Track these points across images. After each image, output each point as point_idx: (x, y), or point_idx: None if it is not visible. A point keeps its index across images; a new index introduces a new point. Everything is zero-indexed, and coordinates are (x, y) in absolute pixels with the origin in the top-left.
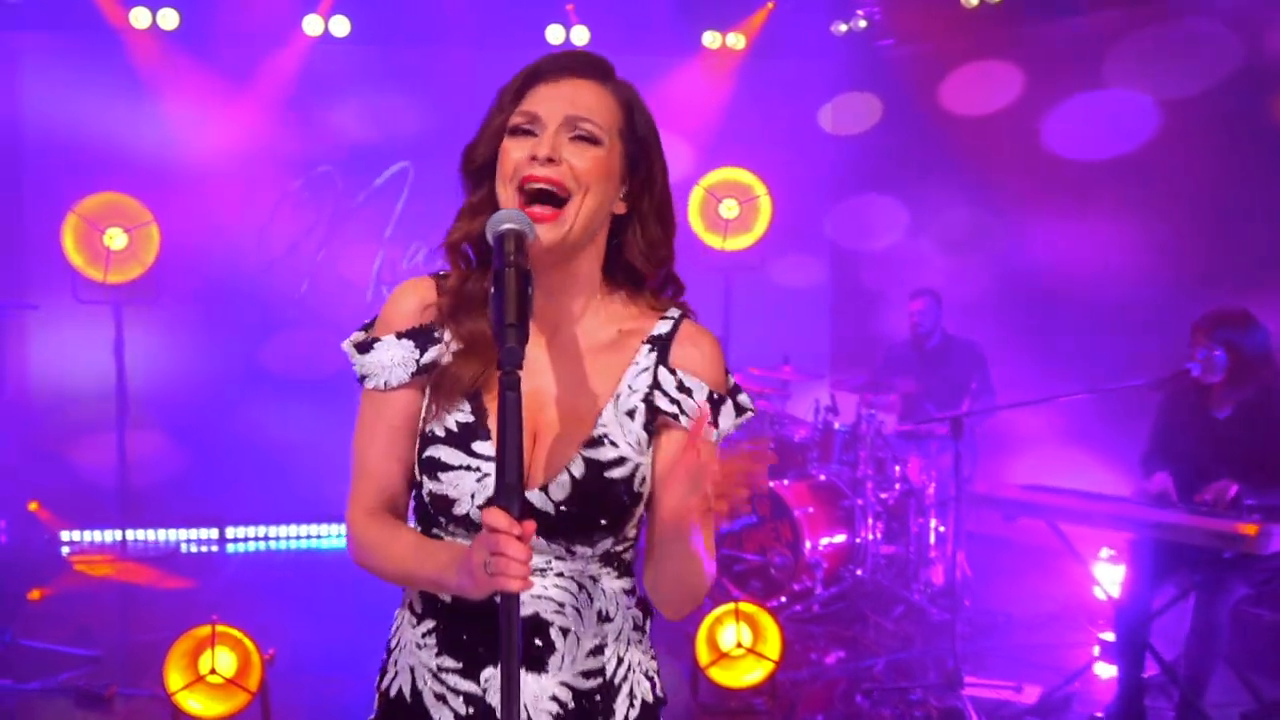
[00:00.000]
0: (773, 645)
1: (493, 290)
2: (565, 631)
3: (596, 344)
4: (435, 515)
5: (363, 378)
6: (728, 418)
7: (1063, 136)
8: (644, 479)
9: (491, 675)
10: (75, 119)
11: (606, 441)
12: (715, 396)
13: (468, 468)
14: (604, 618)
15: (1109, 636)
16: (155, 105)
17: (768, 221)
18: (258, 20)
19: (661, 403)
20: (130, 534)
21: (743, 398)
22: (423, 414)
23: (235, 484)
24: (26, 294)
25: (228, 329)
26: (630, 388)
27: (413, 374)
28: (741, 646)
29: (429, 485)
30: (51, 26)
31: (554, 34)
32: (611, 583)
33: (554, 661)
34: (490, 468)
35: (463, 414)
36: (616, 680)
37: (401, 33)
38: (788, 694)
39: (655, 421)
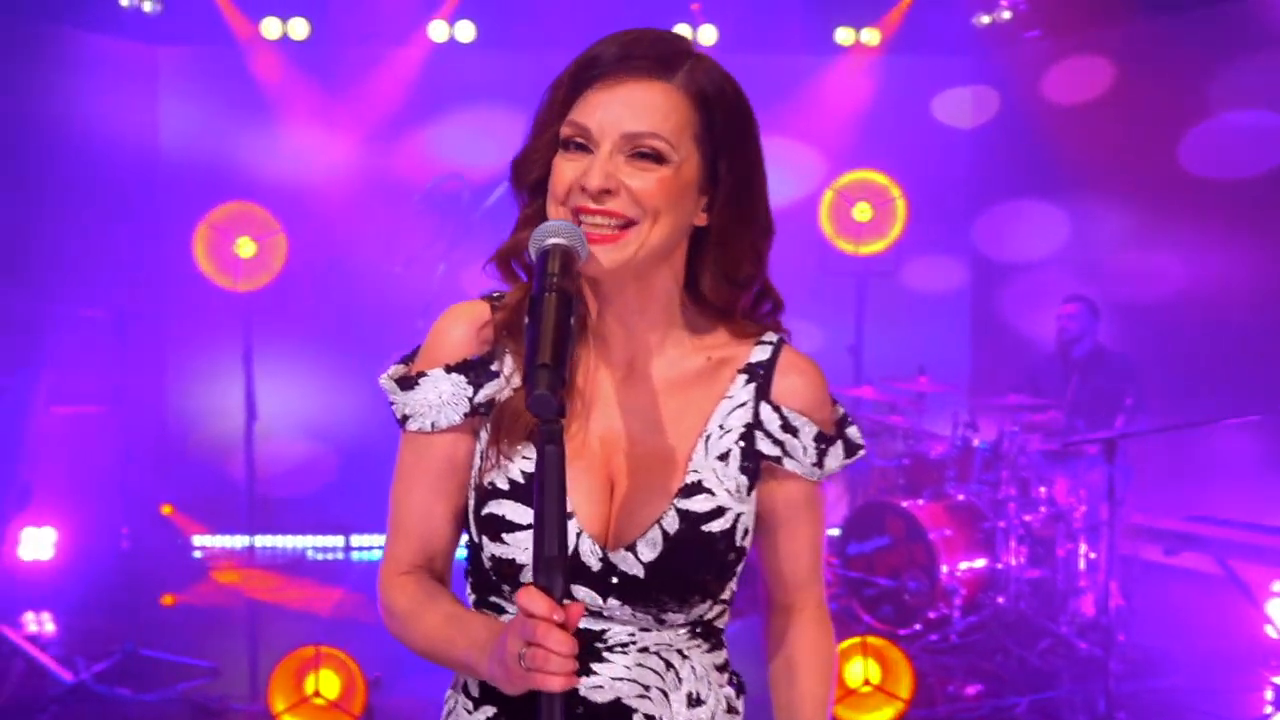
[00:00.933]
0: (904, 683)
1: (528, 319)
2: (650, 719)
3: (681, 375)
4: (498, 582)
5: (404, 419)
6: (835, 458)
7: (1232, 140)
8: (746, 530)
9: None
10: (207, 130)
11: (702, 489)
12: (824, 436)
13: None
14: (695, 701)
15: None
16: (282, 115)
17: (903, 225)
18: (382, 28)
19: (763, 445)
20: (258, 540)
21: (852, 431)
22: (477, 462)
23: (361, 492)
24: (159, 302)
25: (352, 339)
26: (722, 426)
27: (465, 414)
28: (870, 684)
29: (490, 548)
30: (186, 40)
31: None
32: (702, 658)
33: None
34: (568, 525)
35: (528, 462)
36: None
37: (526, 38)
38: None
39: (756, 465)
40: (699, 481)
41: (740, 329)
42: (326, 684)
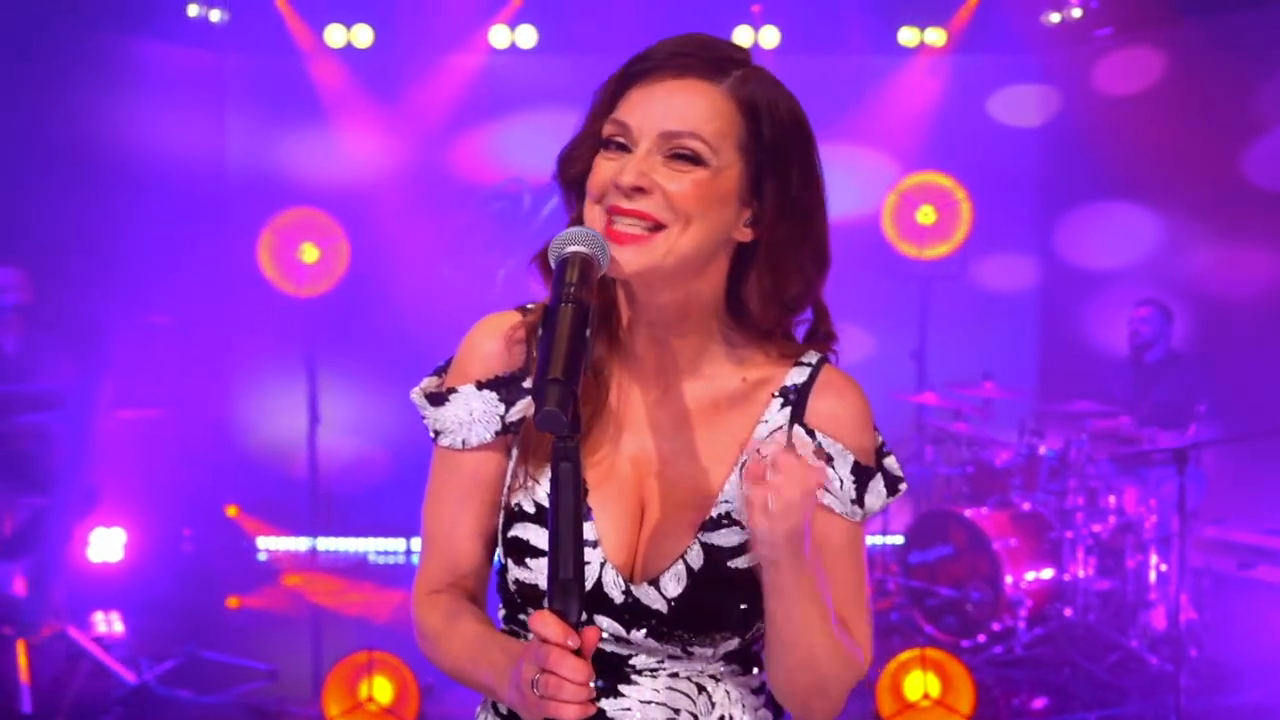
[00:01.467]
0: (964, 697)
1: (541, 331)
2: None
3: (717, 397)
4: (523, 604)
5: (436, 434)
6: (876, 496)
7: None
8: None
9: None
10: (271, 136)
11: (729, 522)
12: (861, 468)
13: None
14: None
15: None
16: (345, 122)
17: (968, 228)
18: (444, 34)
19: None
20: (320, 543)
21: (890, 462)
22: (508, 481)
23: (421, 495)
24: (223, 307)
25: (413, 343)
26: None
27: (497, 433)
28: (929, 698)
29: (515, 572)
30: (251, 48)
31: (741, 36)
32: (735, 682)
33: None
34: (590, 554)
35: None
36: None
37: (587, 42)
38: None
39: None
40: (728, 513)
41: (782, 349)
42: (380, 690)
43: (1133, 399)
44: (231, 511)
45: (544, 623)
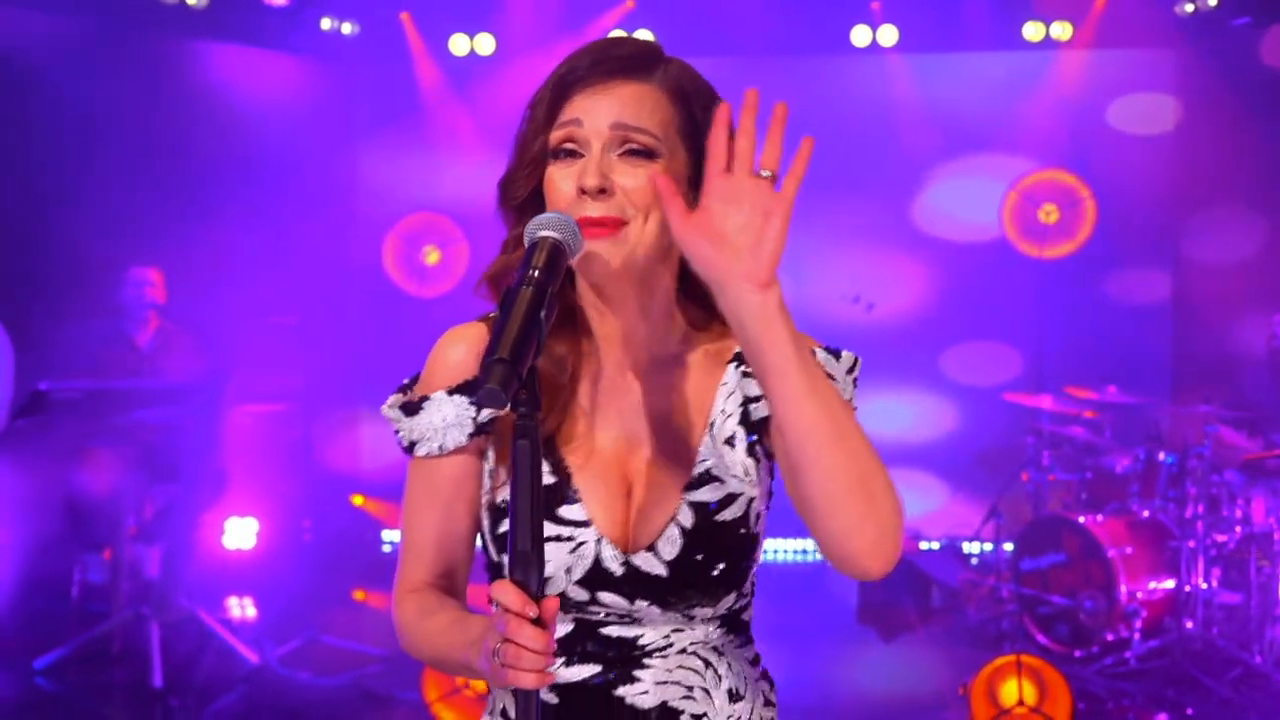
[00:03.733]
0: (1061, 705)
1: (498, 311)
2: (698, 718)
3: (683, 371)
4: None
5: (410, 445)
6: (832, 365)
7: None
8: (759, 515)
9: None
10: (395, 143)
11: (711, 478)
12: (827, 350)
13: (557, 538)
14: (735, 696)
15: None
16: (465, 127)
17: (1092, 227)
18: (562, 40)
19: (759, 412)
20: None
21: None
22: (487, 482)
23: None
24: (345, 307)
25: None
26: (724, 411)
27: (470, 435)
28: (1024, 705)
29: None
30: (379, 58)
31: (860, 35)
32: (736, 654)
33: None
34: (583, 534)
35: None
36: None
37: (704, 44)
38: None
39: (760, 440)
40: (708, 470)
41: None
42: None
43: (1271, 406)
44: (357, 500)
45: (504, 592)
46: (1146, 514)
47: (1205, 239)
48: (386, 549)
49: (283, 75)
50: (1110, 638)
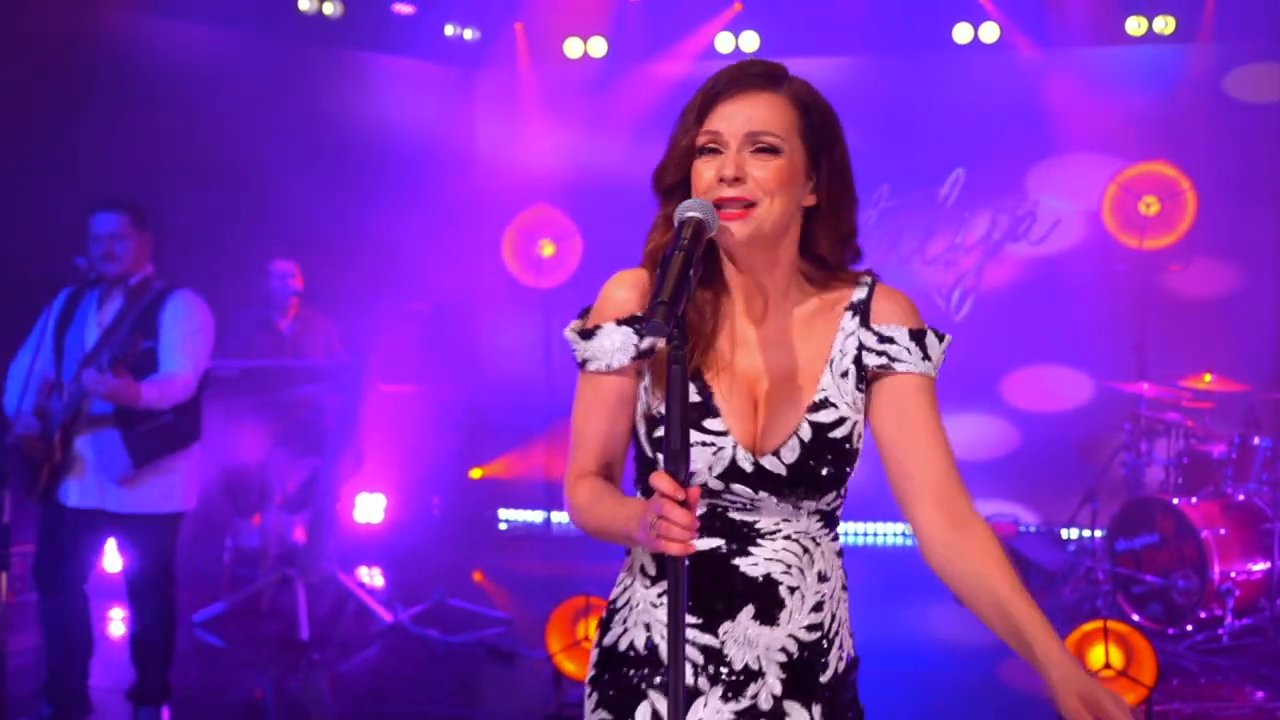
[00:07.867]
0: (1147, 669)
1: (659, 271)
2: (793, 590)
3: (804, 316)
4: None
5: (584, 362)
6: (933, 346)
7: None
8: (859, 435)
9: (728, 628)
10: (515, 141)
11: (828, 404)
12: (915, 332)
13: (702, 444)
14: (823, 577)
15: None
16: (579, 126)
17: (1192, 218)
18: (672, 42)
19: (870, 360)
20: (554, 516)
21: (931, 334)
22: (645, 396)
23: None
24: (471, 295)
25: None
26: (841, 351)
27: (633, 357)
28: (1111, 668)
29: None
30: (499, 61)
31: (961, 33)
32: (827, 544)
33: (783, 616)
34: (723, 441)
35: (690, 394)
36: (831, 634)
37: (808, 44)
38: None
39: (867, 378)
40: (826, 398)
41: (845, 278)
42: (593, 627)
43: None
44: (476, 473)
45: (661, 480)
46: (1241, 497)
47: None
48: (503, 526)
49: (411, 78)
50: (1203, 615)
